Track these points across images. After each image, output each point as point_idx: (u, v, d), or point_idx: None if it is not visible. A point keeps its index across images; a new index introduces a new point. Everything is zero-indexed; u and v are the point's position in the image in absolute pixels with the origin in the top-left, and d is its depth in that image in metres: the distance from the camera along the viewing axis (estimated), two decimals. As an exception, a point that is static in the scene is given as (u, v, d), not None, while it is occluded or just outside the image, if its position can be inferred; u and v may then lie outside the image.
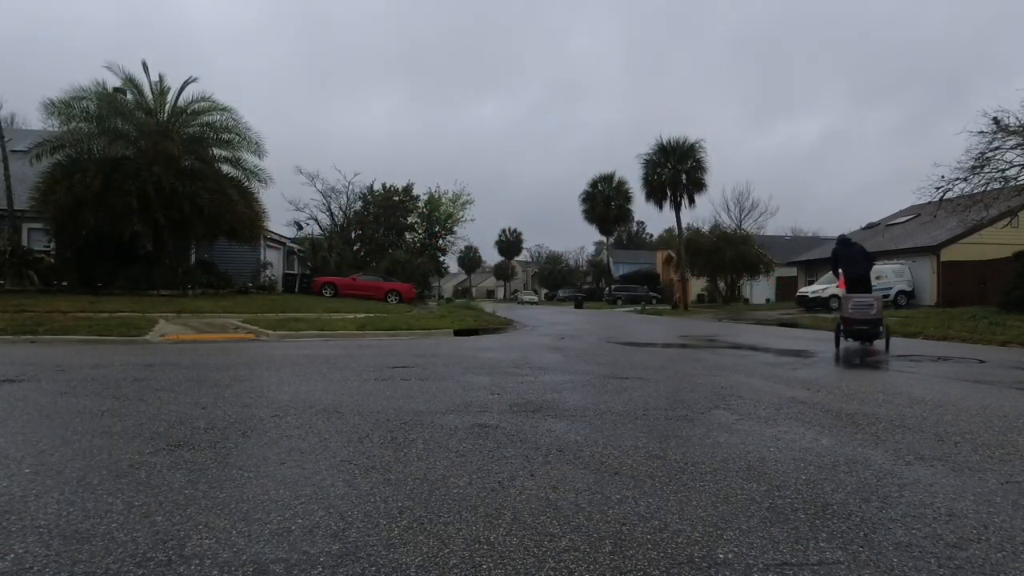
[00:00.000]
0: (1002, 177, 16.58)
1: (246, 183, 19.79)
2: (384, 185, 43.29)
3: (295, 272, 30.46)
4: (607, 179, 48.00)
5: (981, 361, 7.92)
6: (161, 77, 18.94)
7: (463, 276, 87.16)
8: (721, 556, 1.84)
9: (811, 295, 25.41)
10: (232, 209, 18.08)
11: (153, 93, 18.76)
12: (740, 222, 49.42)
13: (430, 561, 1.78)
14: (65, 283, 17.88)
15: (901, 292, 25.16)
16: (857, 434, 3.46)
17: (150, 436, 3.15)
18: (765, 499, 2.34)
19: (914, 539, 1.99)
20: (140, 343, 8.58)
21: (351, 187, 43.58)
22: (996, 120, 16.03)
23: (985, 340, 11.18)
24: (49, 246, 19.07)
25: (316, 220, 43.61)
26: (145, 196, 16.38)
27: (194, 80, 18.95)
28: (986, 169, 16.54)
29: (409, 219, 44.37)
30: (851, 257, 10.42)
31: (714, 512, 2.20)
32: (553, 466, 2.75)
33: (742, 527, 2.06)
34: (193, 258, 21.38)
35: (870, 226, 35.43)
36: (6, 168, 17.90)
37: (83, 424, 3.40)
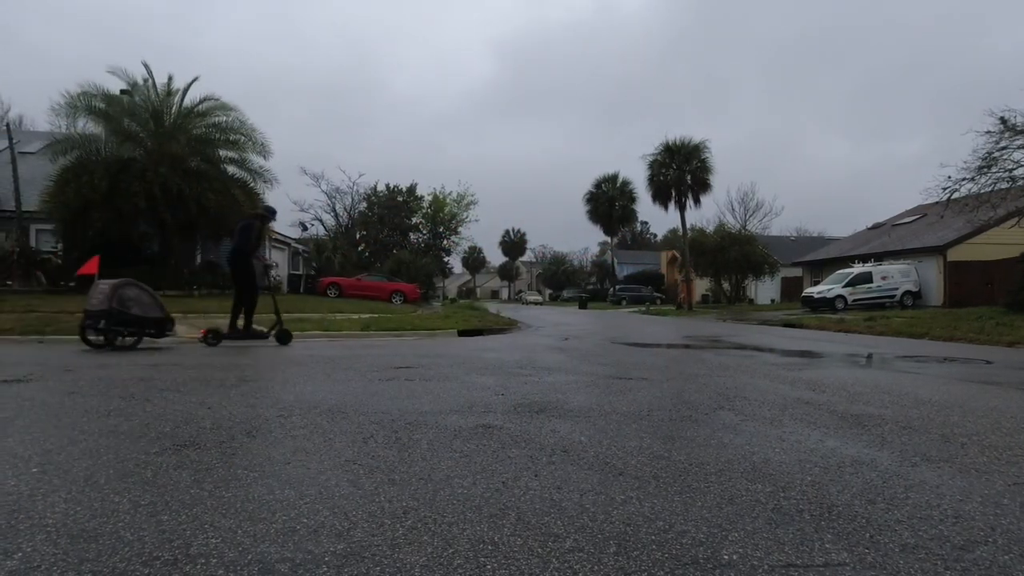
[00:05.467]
0: (1009, 177, 16.50)
1: (251, 184, 19.88)
2: (388, 186, 43.42)
3: (300, 272, 30.56)
4: (611, 180, 47.94)
5: (988, 362, 7.88)
6: (170, 78, 19.04)
7: (467, 276, 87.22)
8: (726, 557, 1.83)
9: (816, 295, 25.33)
10: (238, 209, 18.13)
11: (160, 94, 18.87)
12: (745, 222, 49.28)
13: (434, 561, 1.78)
14: (72, 283, 17.99)
15: (907, 292, 25.05)
16: (863, 435, 3.45)
17: (156, 436, 3.17)
18: (770, 500, 2.34)
19: (920, 541, 1.98)
20: (146, 343, 8.62)
21: (355, 188, 43.72)
22: (1003, 120, 15.95)
23: (992, 341, 11.11)
24: (56, 247, 19.19)
25: (321, 221, 43.79)
26: (152, 197, 16.49)
27: (196, 79, 19.08)
28: (993, 169, 16.46)
29: (413, 219, 44.45)
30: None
31: (719, 513, 2.19)
32: (557, 466, 2.75)
33: (747, 528, 2.06)
34: (199, 259, 21.47)
35: (876, 226, 35.26)
36: (15, 170, 18.03)
37: (90, 424, 3.42)
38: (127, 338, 7.93)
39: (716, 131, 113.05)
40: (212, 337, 8.34)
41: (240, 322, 8.83)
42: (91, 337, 7.78)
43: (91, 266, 8.94)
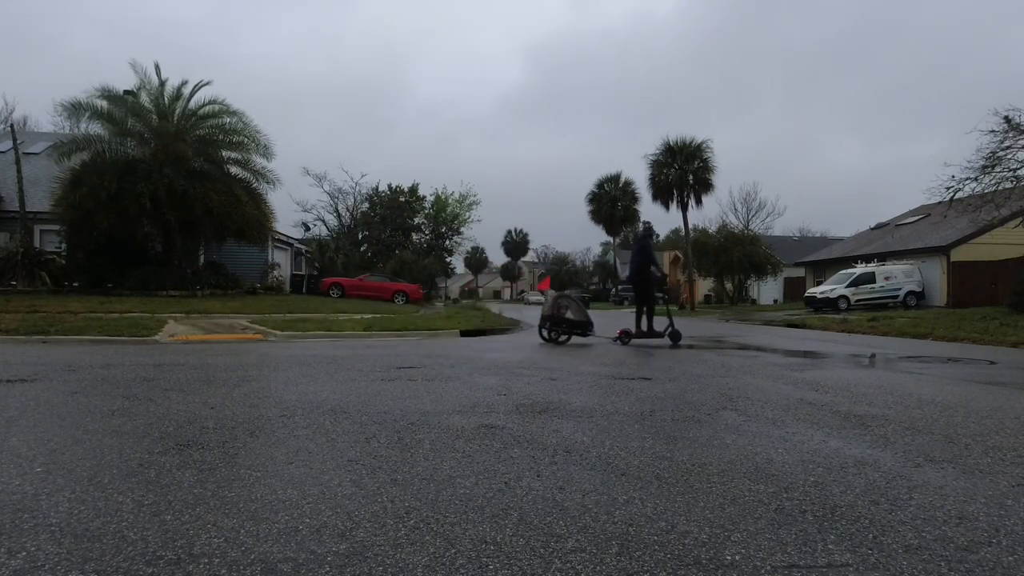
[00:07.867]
0: (1013, 177, 16.40)
1: (255, 184, 19.92)
2: (390, 186, 43.40)
3: (302, 273, 30.59)
4: (613, 180, 47.79)
5: (992, 362, 7.85)
6: (182, 82, 19.06)
7: (470, 277, 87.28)
8: (728, 558, 1.83)
9: (819, 296, 25.26)
10: (241, 210, 18.18)
11: (166, 96, 18.90)
12: (747, 222, 49.19)
13: (437, 561, 1.78)
14: (76, 284, 18.04)
15: (911, 293, 24.97)
16: (866, 436, 3.44)
17: (159, 435, 3.18)
18: (773, 501, 2.33)
19: (924, 542, 1.97)
20: (150, 343, 8.65)
21: (358, 188, 43.68)
22: (1007, 119, 15.85)
23: (996, 341, 11.07)
24: (61, 247, 19.24)
25: (323, 221, 43.76)
26: (157, 198, 16.51)
27: (207, 83, 19.11)
28: (997, 168, 16.36)
29: (416, 220, 44.44)
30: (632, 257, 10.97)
31: (721, 513, 2.19)
32: (560, 467, 2.75)
33: (750, 529, 2.05)
34: (202, 259, 21.51)
35: (879, 226, 35.16)
36: (19, 170, 18.09)
37: (94, 423, 3.43)
38: (562, 336, 9.83)
39: (736, 134, 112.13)
40: (624, 336, 9.90)
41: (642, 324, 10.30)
42: (544, 334, 9.91)
43: (544, 284, 12.11)
